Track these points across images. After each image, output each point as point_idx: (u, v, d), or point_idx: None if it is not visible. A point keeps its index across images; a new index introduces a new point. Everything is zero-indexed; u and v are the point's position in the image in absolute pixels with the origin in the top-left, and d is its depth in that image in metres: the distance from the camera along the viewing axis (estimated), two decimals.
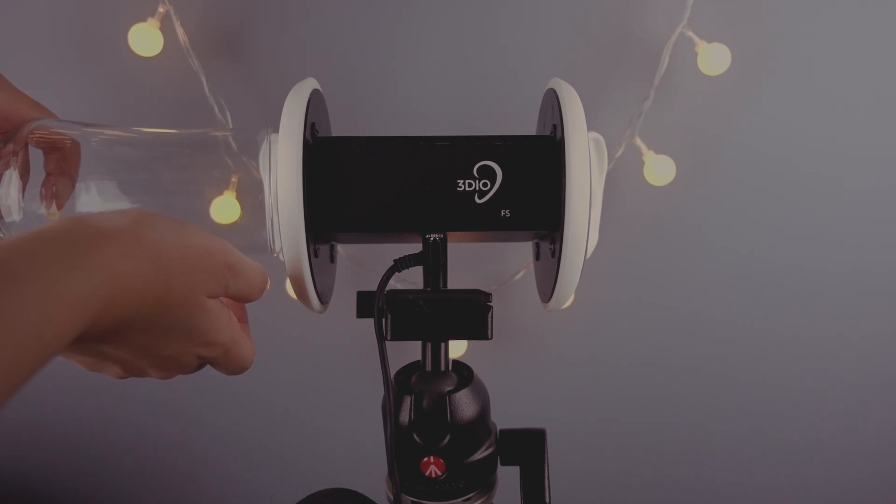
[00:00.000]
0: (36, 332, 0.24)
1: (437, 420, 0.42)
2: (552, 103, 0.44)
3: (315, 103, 0.44)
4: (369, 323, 0.41)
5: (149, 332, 0.31)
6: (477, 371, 0.47)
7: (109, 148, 0.41)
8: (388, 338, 0.42)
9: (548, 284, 0.45)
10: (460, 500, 0.44)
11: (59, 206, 0.39)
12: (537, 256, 0.53)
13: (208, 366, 0.37)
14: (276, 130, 0.41)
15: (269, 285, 0.38)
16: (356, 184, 0.43)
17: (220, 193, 0.42)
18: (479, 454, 0.44)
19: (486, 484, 0.46)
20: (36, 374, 0.24)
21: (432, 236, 0.44)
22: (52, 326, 0.24)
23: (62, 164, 0.39)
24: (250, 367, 0.38)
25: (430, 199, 0.43)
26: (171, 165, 0.42)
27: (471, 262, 0.82)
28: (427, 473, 0.42)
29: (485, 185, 0.43)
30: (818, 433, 0.94)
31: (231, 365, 0.37)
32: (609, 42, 0.75)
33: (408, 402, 0.42)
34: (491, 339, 0.42)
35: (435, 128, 0.77)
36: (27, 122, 0.39)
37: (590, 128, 0.41)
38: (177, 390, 0.94)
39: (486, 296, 0.42)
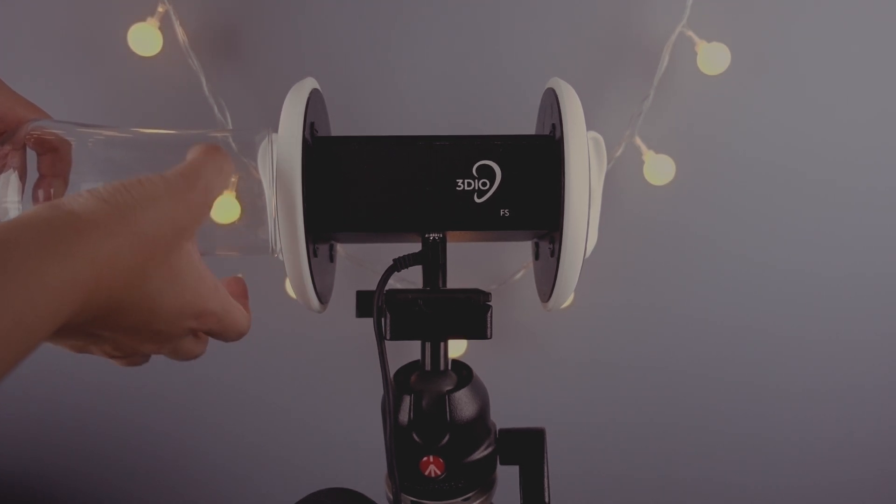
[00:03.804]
0: (18, 318, 0.23)
1: (436, 419, 0.42)
2: (551, 102, 0.44)
3: (314, 103, 0.44)
4: (369, 322, 0.41)
5: (139, 309, 0.31)
6: (476, 370, 0.47)
7: (106, 149, 0.41)
8: (388, 337, 0.42)
9: (547, 284, 0.45)
10: (460, 499, 0.44)
11: None
12: (536, 256, 0.53)
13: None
14: (276, 130, 0.41)
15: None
16: (355, 183, 0.43)
17: (220, 194, 0.42)
18: (479, 454, 0.44)
19: (485, 483, 0.46)
20: (22, 361, 0.24)
21: (431, 236, 0.44)
22: (35, 312, 0.24)
23: (57, 166, 0.39)
24: (247, 331, 0.38)
25: (430, 198, 0.43)
26: (169, 167, 0.42)
27: (470, 261, 0.82)
28: (426, 473, 0.42)
29: (484, 184, 0.43)
30: (815, 434, 0.94)
31: (227, 332, 0.37)
32: (608, 41, 0.75)
33: (407, 401, 0.42)
34: (490, 338, 0.42)
35: (434, 127, 0.77)
36: (24, 124, 0.38)
37: (589, 127, 0.41)
38: (177, 390, 0.94)
39: (486, 295, 0.42)
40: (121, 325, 0.31)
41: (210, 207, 0.34)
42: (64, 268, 0.25)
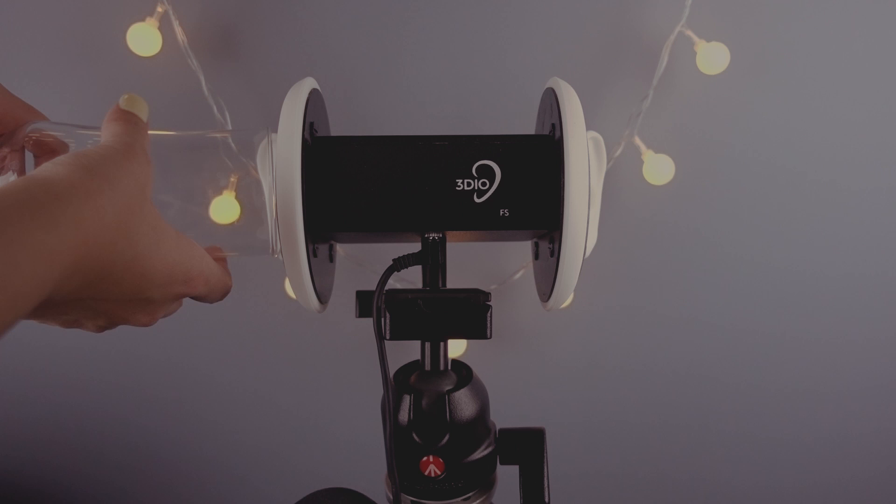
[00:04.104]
0: (4, 283, 0.24)
1: (436, 419, 0.42)
2: (551, 102, 0.44)
3: (314, 103, 0.44)
4: (369, 322, 0.41)
5: (130, 274, 0.31)
6: (476, 370, 0.47)
7: None
8: (388, 337, 0.42)
9: (547, 283, 0.45)
10: (459, 499, 0.44)
11: None
12: (536, 256, 0.53)
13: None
14: (276, 130, 0.41)
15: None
16: (355, 183, 0.43)
17: (220, 194, 0.42)
18: (479, 453, 0.44)
19: (485, 483, 0.46)
20: (8, 329, 0.25)
21: (431, 236, 0.44)
22: (20, 275, 0.24)
23: None
24: (230, 290, 0.40)
25: (429, 198, 0.43)
26: (168, 167, 0.42)
27: (470, 261, 0.82)
28: (426, 473, 0.42)
29: (483, 184, 0.43)
30: (813, 435, 0.94)
31: (213, 293, 0.38)
32: (608, 41, 0.75)
33: (407, 401, 0.42)
34: (490, 338, 0.42)
35: (434, 127, 0.77)
36: (23, 125, 0.38)
37: (589, 127, 0.41)
38: (176, 390, 0.94)
39: (485, 295, 0.42)
40: (113, 293, 0.31)
41: (151, 166, 0.34)
42: (49, 233, 0.26)
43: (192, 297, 0.37)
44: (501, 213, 0.43)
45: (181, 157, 0.43)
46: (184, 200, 0.42)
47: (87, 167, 0.29)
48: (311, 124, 0.43)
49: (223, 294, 0.39)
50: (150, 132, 0.42)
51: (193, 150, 0.44)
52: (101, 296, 0.31)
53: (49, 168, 0.29)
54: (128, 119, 0.35)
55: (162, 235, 0.32)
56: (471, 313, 0.42)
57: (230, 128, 0.74)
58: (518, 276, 0.81)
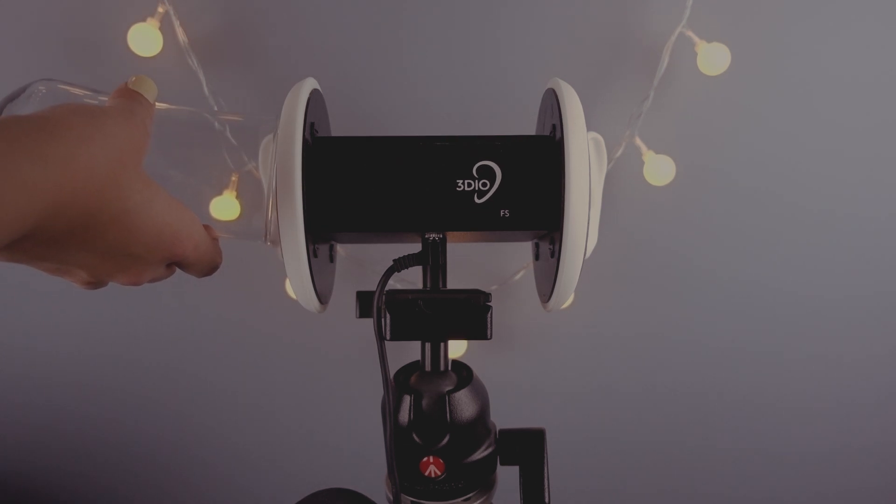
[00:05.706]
0: None
1: (436, 420, 0.42)
2: (551, 103, 0.44)
3: (314, 103, 0.44)
4: (369, 323, 0.41)
5: (116, 226, 0.31)
6: (476, 371, 0.47)
7: None
8: (388, 338, 0.42)
9: (547, 284, 0.45)
10: (460, 499, 0.44)
11: None
12: (537, 256, 0.53)
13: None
14: (276, 130, 0.41)
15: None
16: (355, 183, 0.43)
17: (220, 192, 0.42)
18: (479, 454, 0.44)
19: (485, 484, 0.46)
20: None
21: (431, 236, 0.44)
22: (2, 204, 0.25)
23: None
24: (219, 265, 0.39)
25: (430, 198, 0.43)
26: (168, 141, 0.42)
27: (470, 262, 0.82)
28: (426, 473, 0.42)
29: (484, 185, 0.43)
30: (811, 448, 0.94)
31: (201, 262, 0.37)
32: (608, 42, 0.75)
33: (407, 401, 0.42)
34: (490, 338, 0.42)
35: (434, 128, 0.77)
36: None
37: (589, 127, 0.41)
38: (175, 391, 0.94)
39: (486, 296, 0.42)
40: (98, 245, 0.31)
41: (148, 138, 0.35)
42: (35, 166, 0.26)
43: (180, 266, 0.37)
44: (502, 213, 0.43)
45: (183, 133, 0.43)
46: (182, 176, 0.42)
47: (86, 115, 0.29)
48: (312, 124, 0.43)
49: (211, 267, 0.39)
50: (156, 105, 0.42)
51: (196, 149, 0.44)
52: (85, 246, 0.31)
53: (48, 109, 0.29)
54: (132, 96, 0.35)
55: (154, 195, 0.32)
56: (471, 314, 0.42)
57: (233, 113, 0.74)
58: (518, 276, 0.81)
